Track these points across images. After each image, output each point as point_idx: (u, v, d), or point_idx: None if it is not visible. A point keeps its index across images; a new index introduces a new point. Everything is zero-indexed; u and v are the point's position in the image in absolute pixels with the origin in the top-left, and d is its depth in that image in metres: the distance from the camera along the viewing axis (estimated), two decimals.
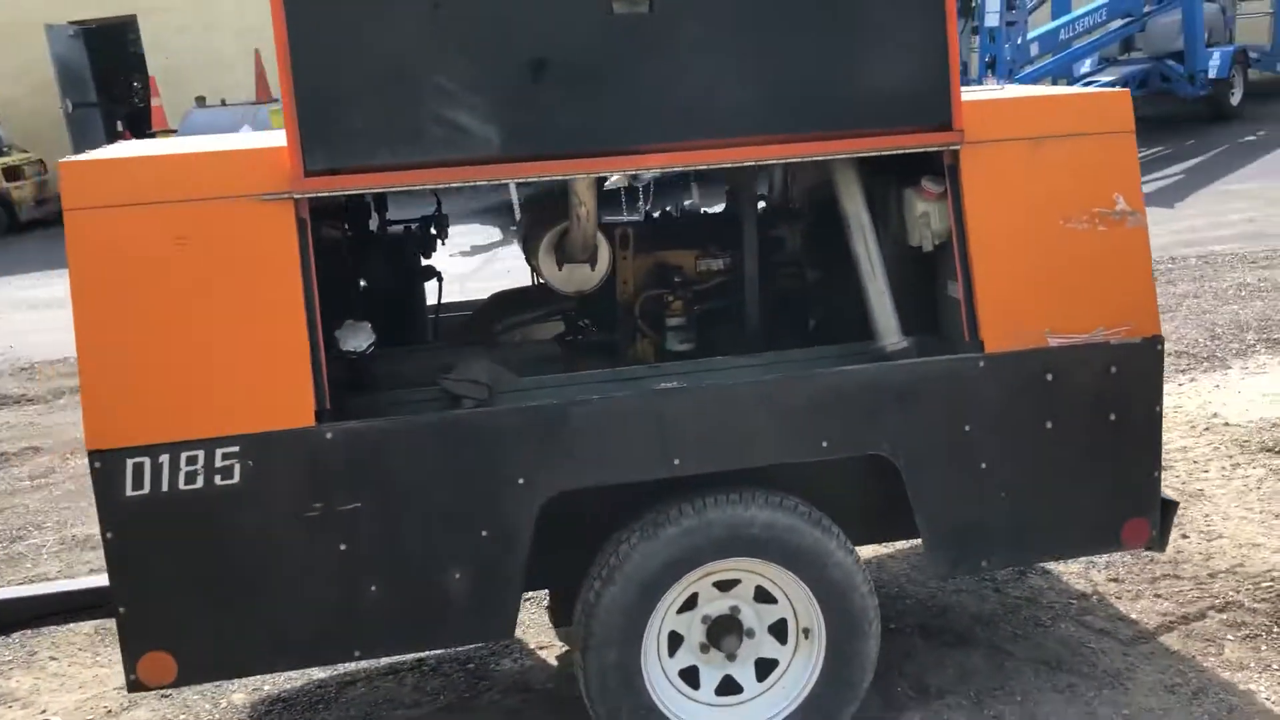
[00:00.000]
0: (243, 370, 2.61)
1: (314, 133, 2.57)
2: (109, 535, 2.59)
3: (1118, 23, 13.75)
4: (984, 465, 2.94)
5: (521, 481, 2.74)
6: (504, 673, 3.67)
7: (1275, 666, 3.24)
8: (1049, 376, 2.93)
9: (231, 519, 2.63)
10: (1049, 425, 2.95)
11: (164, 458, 2.57)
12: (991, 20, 12.38)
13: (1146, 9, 13.64)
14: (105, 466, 2.55)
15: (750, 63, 2.75)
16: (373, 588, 2.72)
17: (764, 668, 3.03)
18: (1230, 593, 3.65)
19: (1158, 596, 3.68)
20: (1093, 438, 2.99)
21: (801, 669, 3.01)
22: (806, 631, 2.99)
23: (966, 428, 2.91)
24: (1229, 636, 3.41)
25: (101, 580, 3.36)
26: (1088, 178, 2.96)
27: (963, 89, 2.85)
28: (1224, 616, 3.51)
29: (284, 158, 2.60)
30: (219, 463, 2.60)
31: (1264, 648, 3.34)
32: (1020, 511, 2.98)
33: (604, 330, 3.37)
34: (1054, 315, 2.93)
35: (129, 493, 2.57)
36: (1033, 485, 2.98)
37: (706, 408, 2.80)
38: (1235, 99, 14.31)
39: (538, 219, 3.37)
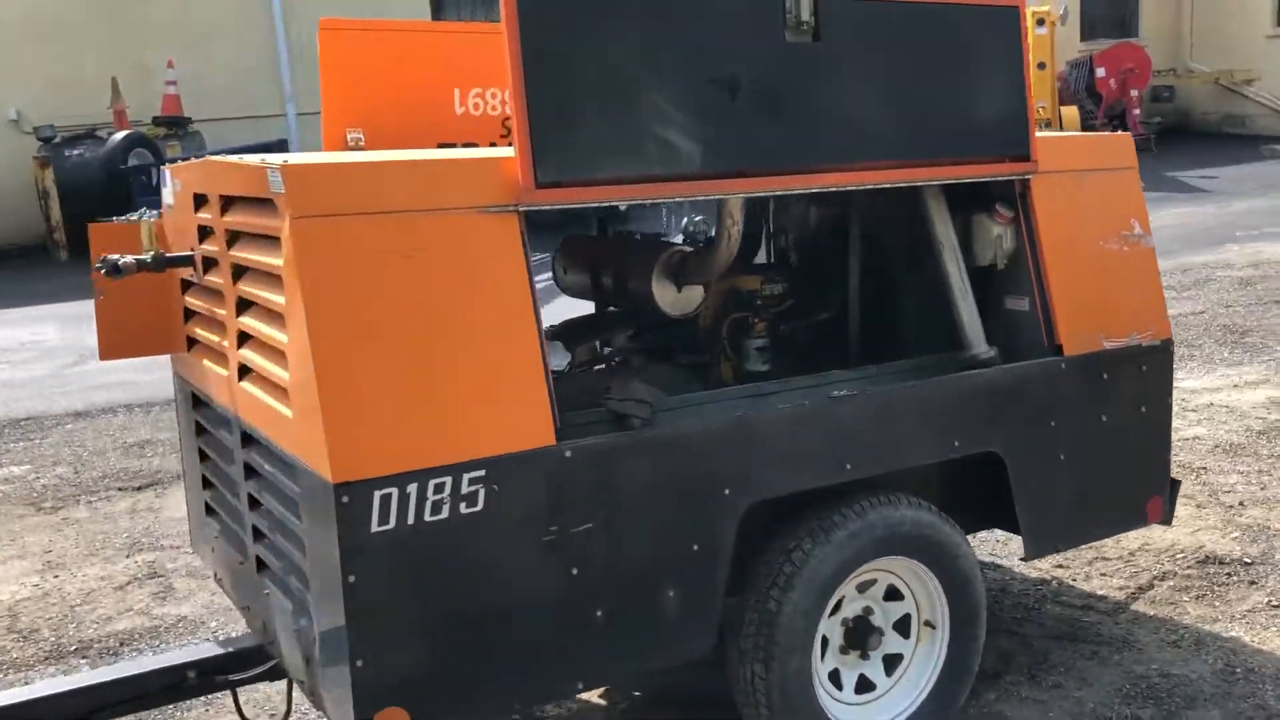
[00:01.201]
0: (483, 389, 2.45)
1: (546, 144, 2.50)
2: (352, 578, 2.31)
3: None
4: (1062, 456, 3.32)
5: (727, 492, 2.76)
6: (555, 718, 3.54)
7: (1238, 616, 3.87)
8: (1105, 375, 3.38)
9: (474, 550, 2.44)
10: (1104, 418, 3.40)
11: (412, 487, 2.35)
12: None
13: None
14: (353, 500, 2.29)
15: (886, 96, 2.99)
16: (598, 612, 2.61)
17: (889, 663, 3.20)
18: (1158, 565, 4.28)
19: (1103, 575, 4.24)
20: (1131, 427, 3.47)
21: (925, 660, 3.21)
22: (929, 624, 3.20)
23: (1052, 423, 3.29)
24: (1184, 599, 4.02)
25: (172, 657, 2.94)
26: (1113, 205, 3.46)
27: None
28: (1170, 584, 4.13)
29: (511, 168, 2.50)
30: (465, 489, 2.41)
31: (1217, 603, 3.97)
32: (1084, 496, 3.40)
33: (690, 353, 3.44)
34: (1106, 322, 3.39)
35: (375, 528, 2.33)
36: (1093, 472, 3.40)
37: (874, 413, 2.97)
38: None
39: (609, 250, 3.39)
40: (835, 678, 3.12)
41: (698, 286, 3.20)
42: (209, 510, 3.39)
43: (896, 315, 3.59)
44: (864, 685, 3.17)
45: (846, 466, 2.93)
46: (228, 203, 2.79)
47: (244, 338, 2.83)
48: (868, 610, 3.14)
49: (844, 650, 3.12)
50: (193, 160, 3.08)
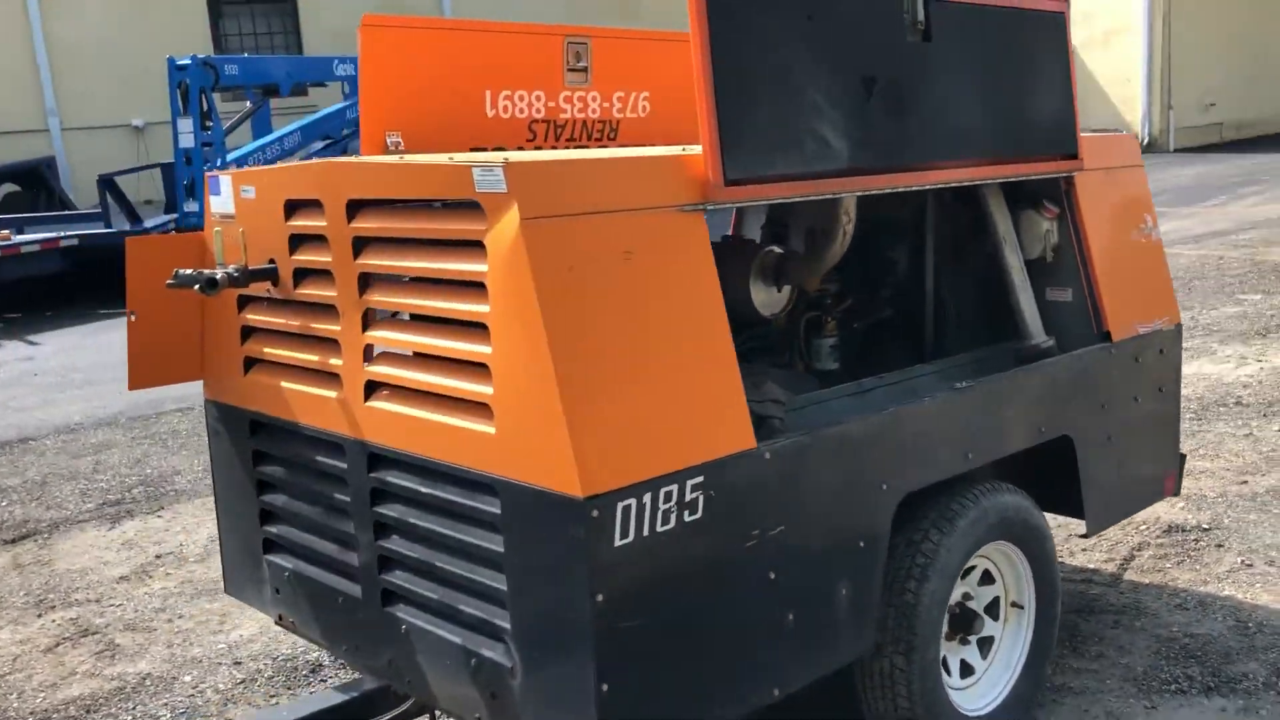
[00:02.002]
0: (693, 393, 2.37)
1: (732, 142, 2.45)
2: (600, 597, 2.18)
3: (318, 144, 13.04)
4: (1110, 437, 3.53)
5: (884, 487, 2.77)
6: None
7: (1222, 576, 4.20)
8: (1139, 359, 3.61)
9: (694, 559, 2.36)
10: (1137, 399, 3.63)
11: (647, 497, 2.25)
12: (185, 141, 11.67)
13: (345, 131, 13.14)
14: (601, 515, 2.17)
15: (976, 96, 3.11)
16: (791, 616, 2.57)
17: (982, 646, 3.30)
18: (1129, 538, 4.59)
19: (1085, 551, 4.51)
20: (1154, 407, 3.72)
21: (1014, 640, 3.32)
22: (1016, 605, 3.32)
23: (1104, 406, 3.48)
24: (1168, 565, 4.33)
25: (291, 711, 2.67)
26: (1131, 200, 3.71)
27: None
28: (1150, 553, 4.43)
29: (696, 166, 2.44)
30: (688, 496, 2.32)
31: (1198, 566, 4.30)
32: (1125, 473, 3.61)
33: (767, 353, 3.43)
34: (1137, 310, 3.62)
35: (617, 542, 2.21)
36: (1131, 450, 3.62)
37: (988, 403, 3.06)
38: None
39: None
40: (945, 664, 3.18)
41: (789, 286, 3.20)
42: (269, 547, 3.10)
43: (946, 310, 3.71)
44: (965, 670, 3.25)
45: (969, 456, 3.01)
46: (355, 207, 2.58)
47: (369, 352, 2.63)
48: (967, 596, 3.23)
49: (948, 637, 3.19)
50: (282, 163, 2.81)
